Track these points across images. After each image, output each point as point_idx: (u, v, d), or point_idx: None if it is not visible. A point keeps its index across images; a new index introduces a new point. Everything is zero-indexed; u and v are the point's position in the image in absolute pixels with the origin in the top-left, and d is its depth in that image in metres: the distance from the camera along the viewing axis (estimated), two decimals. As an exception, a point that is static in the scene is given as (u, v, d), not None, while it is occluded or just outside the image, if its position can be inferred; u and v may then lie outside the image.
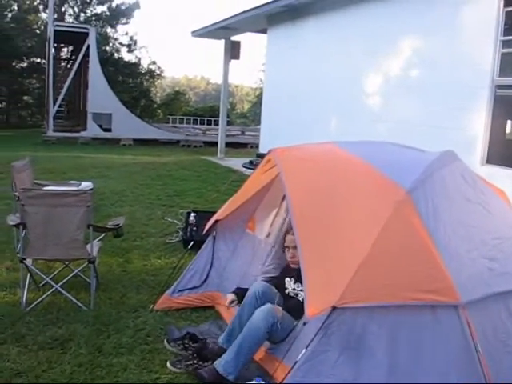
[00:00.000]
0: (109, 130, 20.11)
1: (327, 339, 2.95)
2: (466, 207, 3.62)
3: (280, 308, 3.58)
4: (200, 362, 3.66)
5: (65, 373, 3.56)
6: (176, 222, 7.59)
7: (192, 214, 6.68)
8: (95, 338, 4.03)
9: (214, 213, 6.84)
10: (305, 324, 3.05)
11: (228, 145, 16.97)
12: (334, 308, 2.91)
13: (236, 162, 14.15)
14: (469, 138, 6.58)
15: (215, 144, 17.53)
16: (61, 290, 4.56)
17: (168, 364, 3.70)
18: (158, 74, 30.99)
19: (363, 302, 2.95)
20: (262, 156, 9.46)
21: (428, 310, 3.06)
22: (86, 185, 7.81)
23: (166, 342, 3.98)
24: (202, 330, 4.28)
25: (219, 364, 3.46)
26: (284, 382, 2.88)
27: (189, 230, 6.53)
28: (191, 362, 3.71)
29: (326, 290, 3.00)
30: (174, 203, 9.13)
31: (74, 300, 4.56)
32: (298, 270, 3.76)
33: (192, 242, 4.92)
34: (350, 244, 3.13)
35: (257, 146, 19.02)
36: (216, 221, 4.65)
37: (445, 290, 3.04)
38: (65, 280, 4.66)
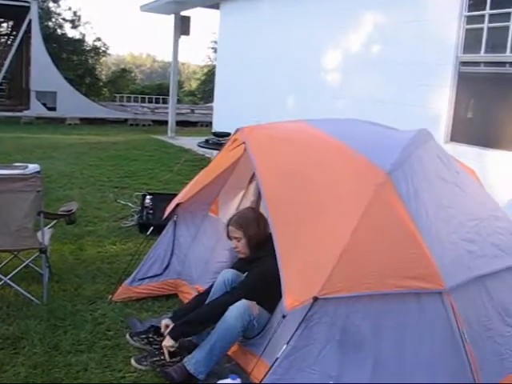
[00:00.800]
0: (53, 109, 19.30)
1: (309, 332, 2.76)
2: (443, 188, 3.47)
3: (255, 304, 3.35)
4: (167, 358, 3.41)
5: (19, 376, 3.25)
6: (130, 204, 7.25)
7: (147, 197, 6.37)
8: (51, 335, 3.72)
9: (170, 195, 6.62)
10: (284, 317, 2.83)
11: (178, 123, 16.53)
12: (315, 299, 2.71)
13: (188, 141, 13.80)
14: (432, 116, 6.45)
15: (164, 123, 17.07)
16: (10, 282, 4.20)
17: (132, 361, 3.44)
18: (103, 51, 29.98)
19: (346, 291, 2.76)
20: (219, 135, 9.23)
21: (413, 297, 2.90)
22: (32, 167, 7.36)
23: (128, 336, 3.71)
24: (165, 322, 4.03)
25: (189, 362, 3.22)
26: (264, 381, 2.67)
27: (145, 213, 6.22)
28: (157, 359, 3.46)
29: (306, 280, 2.79)
30: (127, 185, 8.76)
31: (25, 293, 4.22)
32: (247, 261, 3.60)
33: (151, 228, 4.63)
34: (329, 230, 2.92)
35: (207, 125, 18.69)
36: (177, 204, 4.37)
37: (430, 276, 2.88)
38: (14, 272, 4.30)
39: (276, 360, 2.70)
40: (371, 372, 2.79)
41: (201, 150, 11.21)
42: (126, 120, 19.98)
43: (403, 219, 2.98)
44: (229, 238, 3.71)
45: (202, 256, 4.28)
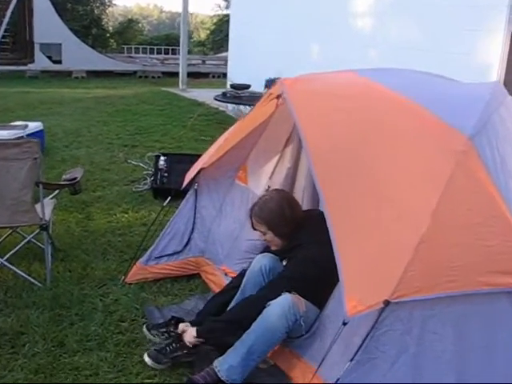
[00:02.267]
0: (59, 62, 18.49)
1: (376, 343, 2.18)
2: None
3: (302, 299, 2.76)
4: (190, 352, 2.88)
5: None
6: (142, 165, 6.62)
7: (162, 158, 5.73)
8: (55, 329, 3.16)
9: (187, 156, 6.02)
10: (345, 324, 2.24)
11: (188, 75, 15.73)
12: (386, 303, 2.12)
13: (200, 94, 13.05)
14: (482, 65, 5.72)
15: (174, 74, 16.25)
16: (7, 264, 3.63)
17: (147, 358, 2.88)
18: (109, 1, 28.93)
19: (426, 292, 2.16)
20: (237, 87, 8.52)
21: (505, 296, 2.30)
22: (34, 126, 6.76)
23: (145, 329, 3.15)
24: (187, 309, 3.47)
25: (221, 368, 2.66)
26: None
27: (159, 176, 5.60)
28: (179, 353, 2.92)
29: (373, 279, 2.19)
30: (137, 142, 8.11)
31: (25, 276, 3.66)
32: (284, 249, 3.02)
33: (169, 198, 4.01)
34: (399, 213, 2.29)
35: (219, 76, 17.89)
36: (199, 171, 3.76)
37: (528, 270, 2.28)
38: (14, 251, 3.72)
39: (337, 380, 2.13)
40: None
41: (215, 103, 10.51)
42: (134, 72, 19.18)
43: (493, 197, 2.34)
44: (254, 229, 3.12)
45: (230, 231, 3.69)
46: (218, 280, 3.64)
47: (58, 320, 3.26)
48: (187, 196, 3.87)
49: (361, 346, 2.14)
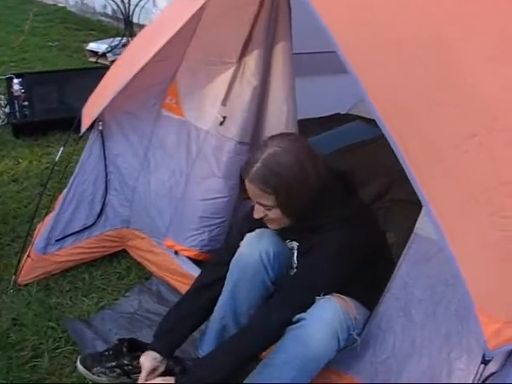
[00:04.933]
0: None
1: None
2: None
3: (347, 299, 1.78)
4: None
5: None
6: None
7: (15, 81, 4.18)
8: None
9: (52, 73, 4.56)
10: (486, 363, 1.29)
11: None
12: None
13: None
14: None
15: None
16: None
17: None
18: None
19: None
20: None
21: None
22: None
23: (80, 365, 2.03)
24: (130, 312, 2.38)
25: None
26: None
27: (17, 107, 4.10)
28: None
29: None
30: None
31: None
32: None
33: (60, 151, 2.68)
34: None
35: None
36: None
37: None
38: None
39: None
40: None
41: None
42: None
43: None
44: (245, 199, 1.99)
45: (168, 189, 2.50)
46: (162, 260, 2.51)
47: None
48: (89, 142, 2.59)
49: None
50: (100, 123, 2.53)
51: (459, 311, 1.67)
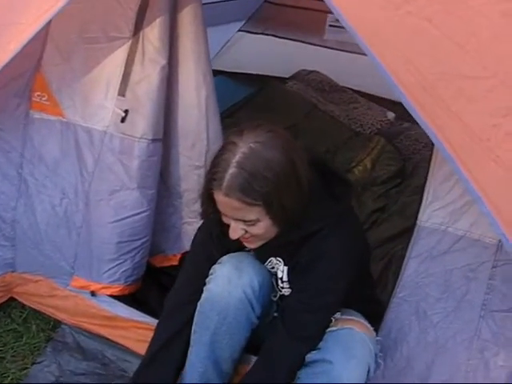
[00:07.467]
0: None
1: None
2: None
3: (364, 323, 1.46)
4: None
5: None
6: None
7: None
8: None
9: None
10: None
11: None
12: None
13: None
14: None
15: None
16: None
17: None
18: None
19: None
20: None
21: None
22: None
23: None
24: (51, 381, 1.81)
25: None
26: None
27: None
28: None
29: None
30: None
31: None
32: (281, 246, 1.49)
33: None
34: None
35: None
36: None
37: None
38: None
39: None
40: None
41: None
42: None
43: None
44: (219, 216, 1.46)
45: (62, 213, 1.89)
46: (73, 305, 1.93)
47: None
48: None
49: None
50: None
51: (488, 304, 1.47)
